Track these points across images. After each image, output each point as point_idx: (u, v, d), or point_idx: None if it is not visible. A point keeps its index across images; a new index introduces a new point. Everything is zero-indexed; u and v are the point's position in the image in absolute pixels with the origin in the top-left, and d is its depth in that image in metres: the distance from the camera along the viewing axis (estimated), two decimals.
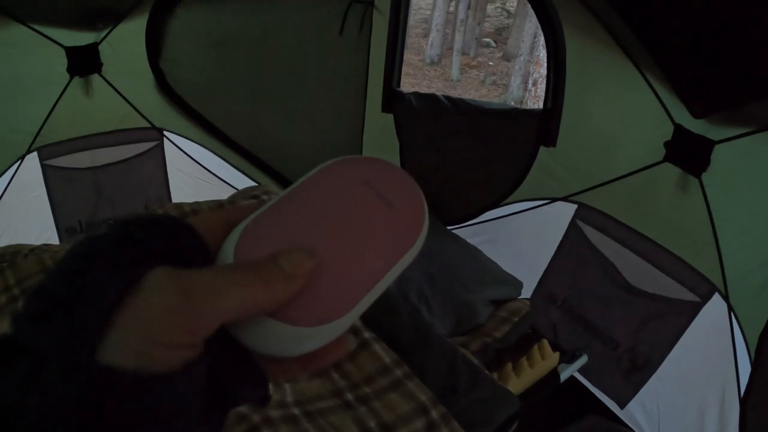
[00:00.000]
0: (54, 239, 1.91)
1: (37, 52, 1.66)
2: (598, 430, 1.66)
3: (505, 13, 10.57)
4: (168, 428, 0.21)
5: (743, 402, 1.38)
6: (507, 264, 1.70)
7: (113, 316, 0.21)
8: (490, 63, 8.95)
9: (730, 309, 1.42)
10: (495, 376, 1.25)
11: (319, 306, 0.25)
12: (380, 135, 2.04)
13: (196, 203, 1.56)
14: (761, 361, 1.33)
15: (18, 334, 0.21)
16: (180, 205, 1.54)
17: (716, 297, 1.45)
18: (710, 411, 1.47)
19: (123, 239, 0.23)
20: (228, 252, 0.25)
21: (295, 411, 0.99)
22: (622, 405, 1.69)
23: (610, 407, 1.72)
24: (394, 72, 1.91)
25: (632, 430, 1.65)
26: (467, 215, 2.01)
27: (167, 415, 0.21)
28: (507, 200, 1.92)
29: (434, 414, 1.01)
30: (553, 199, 1.81)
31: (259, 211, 0.27)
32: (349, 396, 1.04)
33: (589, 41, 1.49)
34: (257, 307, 0.23)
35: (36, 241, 1.44)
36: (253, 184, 2.15)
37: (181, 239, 0.25)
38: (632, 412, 1.67)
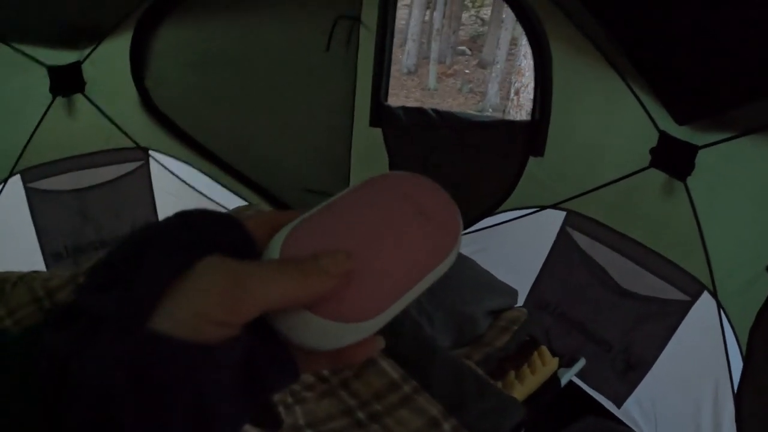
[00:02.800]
0: (41, 263, 1.86)
1: (18, 72, 1.62)
2: (596, 430, 1.68)
3: (479, 21, 10.74)
4: (202, 396, 0.23)
5: (738, 395, 1.42)
6: (499, 273, 1.70)
7: (168, 290, 0.23)
8: (467, 71, 9.07)
9: (720, 306, 1.47)
10: (499, 384, 1.26)
11: (353, 305, 0.26)
12: (369, 150, 2.04)
13: None
14: (752, 354, 1.38)
15: (79, 299, 0.24)
16: None
17: (705, 295, 1.50)
18: (705, 405, 1.50)
19: (180, 226, 0.27)
20: (275, 249, 0.27)
21: None
22: (618, 404, 1.72)
23: (607, 407, 1.75)
24: (382, 86, 1.92)
25: (631, 428, 1.68)
26: None
27: (202, 382, 0.23)
28: (497, 210, 1.94)
29: (446, 427, 1.02)
30: (542, 207, 1.84)
31: (305, 215, 0.29)
32: (360, 414, 1.04)
33: (574, 53, 1.52)
34: (296, 299, 0.25)
35: (23, 265, 1.40)
36: (242, 202, 2.13)
37: (232, 233, 0.28)
38: (629, 411, 1.70)
